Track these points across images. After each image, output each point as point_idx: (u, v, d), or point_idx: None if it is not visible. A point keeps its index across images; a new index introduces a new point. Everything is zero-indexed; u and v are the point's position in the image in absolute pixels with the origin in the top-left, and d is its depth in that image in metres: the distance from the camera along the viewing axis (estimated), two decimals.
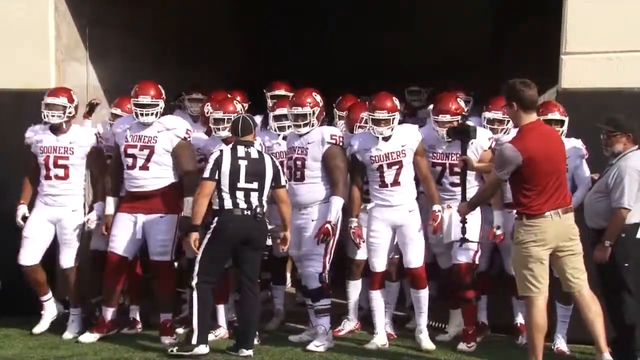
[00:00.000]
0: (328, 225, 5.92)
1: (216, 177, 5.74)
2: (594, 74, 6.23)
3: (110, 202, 6.31)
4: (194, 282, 5.76)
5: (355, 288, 6.48)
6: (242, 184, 5.78)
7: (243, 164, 5.80)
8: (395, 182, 6.03)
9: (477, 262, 6.16)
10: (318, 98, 6.13)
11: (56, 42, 7.25)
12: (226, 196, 5.76)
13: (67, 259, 6.37)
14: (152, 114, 6.18)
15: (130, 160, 6.23)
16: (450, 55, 10.24)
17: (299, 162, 6.06)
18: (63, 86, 6.63)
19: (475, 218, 6.06)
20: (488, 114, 6.29)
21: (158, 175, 6.20)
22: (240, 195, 5.78)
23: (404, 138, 6.03)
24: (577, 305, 5.30)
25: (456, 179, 6.09)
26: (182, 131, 6.26)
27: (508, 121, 6.22)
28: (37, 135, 6.41)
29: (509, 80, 5.26)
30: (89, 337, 6.22)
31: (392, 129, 6.00)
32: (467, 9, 10.61)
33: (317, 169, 6.04)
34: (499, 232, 6.03)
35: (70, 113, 6.37)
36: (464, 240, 5.83)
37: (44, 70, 7.11)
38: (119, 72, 7.78)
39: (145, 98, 6.18)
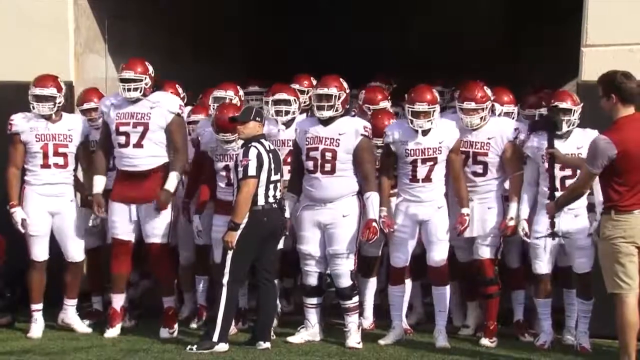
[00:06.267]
0: (374, 224, 5.82)
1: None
2: (615, 67, 6.09)
3: (99, 180, 6.20)
4: (225, 280, 5.73)
5: (371, 285, 6.40)
6: (273, 177, 5.78)
7: (270, 156, 5.79)
8: (427, 179, 5.93)
9: (498, 257, 6.11)
10: (345, 84, 6.01)
11: (75, 35, 7.27)
12: (261, 191, 5.74)
13: (77, 251, 6.26)
14: (134, 89, 6.07)
15: (122, 139, 6.11)
16: (465, 53, 10.22)
17: (328, 154, 5.86)
18: (49, 74, 6.31)
19: (494, 213, 6.03)
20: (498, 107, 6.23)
21: (152, 153, 6.11)
22: (271, 188, 5.78)
23: (442, 134, 5.93)
24: None
25: (479, 169, 6.04)
26: (175, 106, 6.18)
27: (513, 112, 6.26)
28: (30, 123, 6.17)
29: (609, 71, 5.17)
30: (113, 332, 6.20)
31: (431, 122, 5.91)
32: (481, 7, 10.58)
33: (348, 162, 5.88)
34: (511, 223, 5.96)
35: (60, 103, 6.21)
36: (554, 234, 5.64)
37: (63, 63, 7.12)
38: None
39: (128, 73, 6.10)
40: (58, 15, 7.20)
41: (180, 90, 6.86)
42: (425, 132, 5.91)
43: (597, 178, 5.14)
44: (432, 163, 5.92)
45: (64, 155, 6.23)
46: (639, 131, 5.05)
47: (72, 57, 7.21)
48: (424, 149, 5.91)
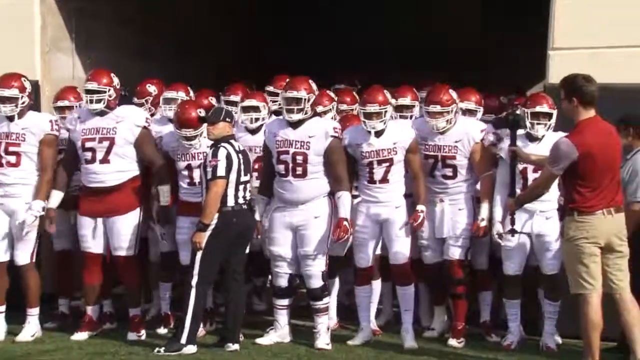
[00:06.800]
0: (346, 223, 5.82)
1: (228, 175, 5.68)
2: (581, 70, 6.20)
3: (56, 195, 6.10)
4: (194, 281, 5.71)
5: (333, 285, 6.39)
6: (242, 178, 5.77)
7: (240, 157, 5.78)
8: (384, 180, 5.98)
9: (468, 257, 6.16)
10: (314, 86, 6.01)
11: (42, 33, 7.20)
12: (230, 192, 5.72)
13: (23, 255, 6.10)
14: (97, 100, 6.02)
15: (89, 155, 6.06)
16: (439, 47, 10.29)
17: (299, 157, 5.85)
18: (13, 73, 6.16)
19: (464, 214, 6.08)
20: (461, 105, 6.29)
21: (120, 168, 6.07)
22: (241, 189, 5.77)
23: (396, 135, 5.97)
24: (617, 307, 5.14)
25: (448, 172, 6.08)
26: (142, 120, 6.15)
27: (478, 111, 6.39)
28: None
29: (570, 74, 5.21)
30: (80, 336, 6.14)
31: (384, 123, 5.94)
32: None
33: (319, 164, 5.89)
34: (483, 224, 6.00)
35: (24, 103, 6.07)
36: (513, 231, 5.70)
37: (29, 61, 7.04)
38: (104, 64, 7.62)
39: (92, 84, 6.05)
40: (24, 12, 7.12)
41: (191, 92, 6.72)
42: (378, 134, 5.94)
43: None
44: (387, 164, 5.95)
45: (17, 154, 6.10)
46: (600, 133, 5.11)
47: (38, 56, 7.14)
48: (378, 150, 5.94)
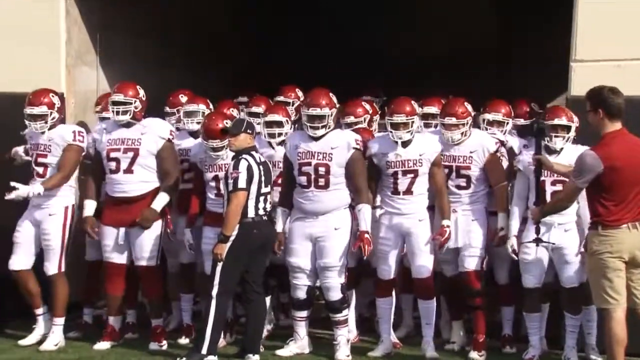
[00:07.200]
0: (367, 236, 5.81)
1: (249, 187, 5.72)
2: (604, 82, 6.17)
3: (89, 205, 6.21)
4: (214, 292, 5.73)
5: (351, 298, 6.33)
6: (263, 189, 5.79)
7: (261, 169, 5.80)
8: (408, 191, 5.97)
9: (484, 268, 6.14)
10: (334, 99, 6.04)
11: (67, 46, 7.28)
12: (251, 203, 5.75)
13: (50, 265, 6.19)
14: (123, 112, 6.11)
15: (113, 164, 6.16)
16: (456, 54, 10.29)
17: (321, 169, 5.87)
18: (42, 89, 6.30)
19: (478, 225, 6.07)
20: (488, 116, 6.31)
21: (143, 179, 6.15)
22: (261, 200, 5.79)
23: (422, 147, 5.97)
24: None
25: (462, 182, 6.08)
26: (166, 132, 6.23)
27: (507, 123, 6.30)
28: (30, 132, 6.27)
29: (596, 86, 5.20)
30: (102, 346, 6.19)
31: (411, 133, 5.95)
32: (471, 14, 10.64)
33: (340, 175, 5.89)
34: (501, 233, 5.99)
35: (53, 119, 6.22)
36: (538, 240, 5.68)
37: (54, 74, 7.11)
38: (128, 77, 7.70)
39: (118, 96, 6.14)
40: (50, 26, 7.20)
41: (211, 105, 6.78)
42: (405, 144, 5.95)
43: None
44: (412, 175, 5.96)
45: (44, 165, 6.24)
46: (626, 146, 5.07)
47: (63, 69, 7.22)
48: (404, 160, 5.95)
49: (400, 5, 10.45)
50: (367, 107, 6.68)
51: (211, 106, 6.71)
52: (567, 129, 5.95)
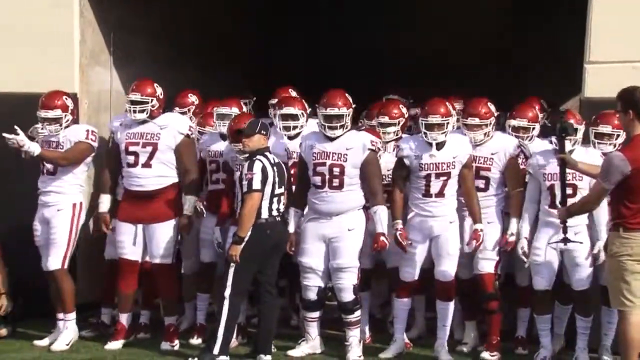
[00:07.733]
0: (383, 238, 5.80)
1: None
2: (618, 83, 6.15)
3: (105, 199, 6.24)
4: (227, 293, 5.73)
5: (365, 298, 6.34)
6: (277, 190, 5.79)
7: (274, 170, 5.80)
8: (440, 194, 5.93)
9: (499, 272, 6.12)
10: (350, 98, 5.99)
11: (81, 47, 7.30)
12: (265, 204, 5.75)
13: (52, 260, 6.15)
14: (141, 111, 6.13)
15: (132, 158, 6.16)
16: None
17: (336, 169, 5.84)
18: (54, 91, 6.33)
19: (494, 228, 6.04)
20: (513, 122, 6.23)
21: (161, 173, 6.15)
22: (275, 201, 5.80)
23: (456, 149, 5.94)
24: None
25: (481, 184, 6.06)
26: (185, 128, 6.23)
27: (533, 128, 6.20)
28: (43, 129, 6.27)
29: (629, 86, 5.14)
30: (114, 345, 6.20)
31: (445, 135, 5.92)
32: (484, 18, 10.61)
33: (355, 176, 5.86)
34: (512, 238, 5.97)
35: (67, 121, 6.24)
36: (565, 240, 5.64)
37: (68, 74, 7.12)
38: (142, 77, 7.82)
39: (135, 95, 6.15)
40: (64, 26, 7.22)
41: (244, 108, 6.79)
42: (439, 146, 5.92)
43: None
44: (445, 178, 5.92)
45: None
46: None
47: (77, 69, 7.23)
48: (438, 163, 5.91)
49: (400, 5, 10.43)
50: (404, 109, 6.53)
51: (244, 109, 6.65)
52: (576, 131, 5.85)
